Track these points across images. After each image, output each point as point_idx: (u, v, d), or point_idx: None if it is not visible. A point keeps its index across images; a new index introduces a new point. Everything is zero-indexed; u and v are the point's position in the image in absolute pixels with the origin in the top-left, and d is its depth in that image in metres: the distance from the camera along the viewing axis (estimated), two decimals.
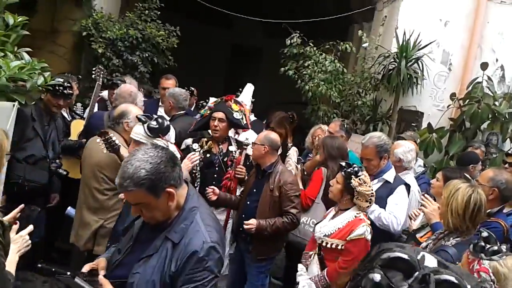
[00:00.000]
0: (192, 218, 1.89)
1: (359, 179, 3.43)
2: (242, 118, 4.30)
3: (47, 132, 4.17)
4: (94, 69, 4.97)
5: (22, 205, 2.18)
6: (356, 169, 3.44)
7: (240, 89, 5.66)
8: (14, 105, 3.31)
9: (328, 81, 6.33)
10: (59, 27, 6.73)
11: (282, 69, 6.44)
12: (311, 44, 6.55)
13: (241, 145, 4.21)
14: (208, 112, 4.20)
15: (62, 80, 4.13)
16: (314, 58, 6.45)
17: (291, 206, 3.72)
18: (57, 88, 4.06)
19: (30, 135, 4.02)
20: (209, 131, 4.19)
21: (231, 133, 4.38)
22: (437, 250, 2.59)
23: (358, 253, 3.22)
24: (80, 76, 5.34)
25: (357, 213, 3.37)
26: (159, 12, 7.00)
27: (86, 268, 1.97)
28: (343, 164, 3.45)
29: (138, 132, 3.08)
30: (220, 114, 4.13)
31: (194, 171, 4.00)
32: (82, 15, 6.63)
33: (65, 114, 4.84)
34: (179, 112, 4.66)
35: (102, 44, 6.38)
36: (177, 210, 1.91)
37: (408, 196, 3.81)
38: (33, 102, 3.99)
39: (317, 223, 3.52)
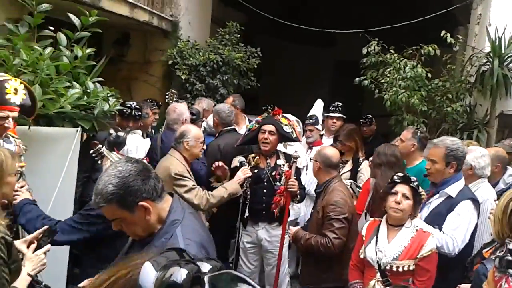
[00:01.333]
0: (173, 231, 1.88)
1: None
2: (292, 132, 4.22)
3: None
4: (167, 93, 5.29)
5: (45, 226, 2.31)
6: (414, 178, 3.15)
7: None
8: (77, 130, 3.66)
9: (410, 88, 5.90)
10: (151, 58, 7.34)
11: (357, 79, 6.18)
12: (391, 50, 6.20)
13: (290, 159, 4.12)
14: (256, 126, 4.20)
15: (130, 103, 4.49)
16: (394, 65, 6.09)
17: (329, 230, 3.47)
18: (124, 110, 4.41)
19: None
20: (255, 145, 4.20)
21: (279, 146, 4.32)
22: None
23: (433, 269, 2.95)
24: (160, 102, 5.73)
25: (416, 226, 3.06)
26: (238, 36, 7.24)
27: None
28: (407, 175, 3.15)
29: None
30: (270, 127, 4.08)
31: (244, 188, 4.01)
32: (170, 45, 7.15)
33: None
34: (226, 128, 4.73)
35: (185, 71, 6.78)
36: (160, 224, 1.91)
37: (478, 211, 3.32)
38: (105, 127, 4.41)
39: (366, 246, 3.20)
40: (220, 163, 4.22)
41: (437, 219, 3.21)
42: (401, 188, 3.07)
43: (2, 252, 1.88)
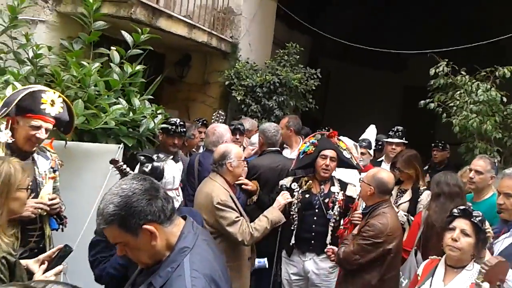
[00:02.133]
0: (180, 260, 1.66)
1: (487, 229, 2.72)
2: (351, 158, 3.91)
3: None
4: (214, 114, 5.17)
5: (60, 245, 2.14)
6: (478, 213, 2.73)
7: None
8: (119, 147, 3.60)
9: (483, 113, 5.36)
10: (209, 79, 7.34)
11: (422, 102, 5.72)
12: (462, 72, 5.70)
13: (345, 186, 3.79)
14: (313, 149, 3.92)
15: (174, 120, 4.40)
16: (465, 87, 5.58)
17: (348, 241, 3.32)
18: (169, 128, 4.33)
19: None
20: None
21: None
22: None
23: None
24: (205, 121, 5.63)
25: (479, 273, 2.63)
26: (298, 57, 7.06)
27: None
28: (467, 208, 2.74)
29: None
30: (331, 153, 3.80)
31: (291, 213, 3.73)
32: (228, 67, 7.12)
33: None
34: (270, 148, 4.47)
35: (241, 92, 6.68)
36: (168, 251, 1.69)
37: None
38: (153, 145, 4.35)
39: (419, 287, 2.82)
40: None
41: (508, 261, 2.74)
42: (460, 223, 2.67)
43: (1, 273, 1.75)
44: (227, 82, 6.85)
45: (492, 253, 2.77)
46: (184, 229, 1.75)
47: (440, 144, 6.50)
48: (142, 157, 2.98)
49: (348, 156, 3.91)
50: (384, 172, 3.60)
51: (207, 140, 4.53)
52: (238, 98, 6.66)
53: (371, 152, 5.15)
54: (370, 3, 11.41)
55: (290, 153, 5.12)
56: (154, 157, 2.97)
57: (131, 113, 3.85)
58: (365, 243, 3.25)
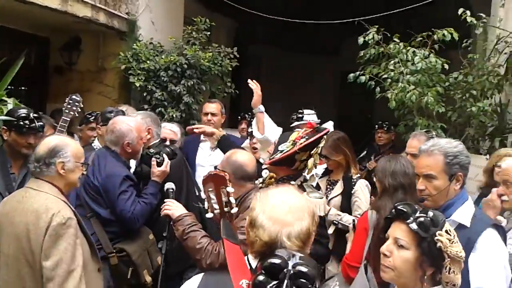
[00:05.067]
0: None
1: (446, 231, 1.77)
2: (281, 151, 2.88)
3: (13, 182, 3.22)
4: (66, 99, 3.86)
5: None
6: (434, 214, 1.79)
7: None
8: None
9: (422, 84, 4.52)
10: (105, 64, 6.12)
11: (351, 75, 4.83)
12: (395, 39, 4.85)
13: None
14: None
15: (25, 111, 3.19)
16: (400, 56, 4.73)
17: None
18: (21, 123, 3.12)
19: None
20: None
21: None
22: None
23: None
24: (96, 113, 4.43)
25: None
26: (209, 33, 5.98)
27: None
28: (401, 207, 1.81)
29: None
30: None
31: None
32: (126, 48, 5.91)
33: None
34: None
35: (141, 76, 5.52)
36: None
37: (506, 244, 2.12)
38: None
39: None
40: None
41: None
42: (394, 230, 1.80)
43: None
44: (123, 66, 5.65)
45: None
46: None
47: (384, 125, 5.94)
48: None
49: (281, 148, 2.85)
50: (240, 153, 2.67)
51: (106, 138, 3.39)
52: (138, 85, 5.49)
53: None
54: None
55: (210, 147, 4.41)
56: None
57: None
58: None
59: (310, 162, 2.68)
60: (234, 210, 2.11)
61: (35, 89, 6.29)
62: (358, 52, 5.02)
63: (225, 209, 2.10)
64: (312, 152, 2.67)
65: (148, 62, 5.55)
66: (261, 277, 1.27)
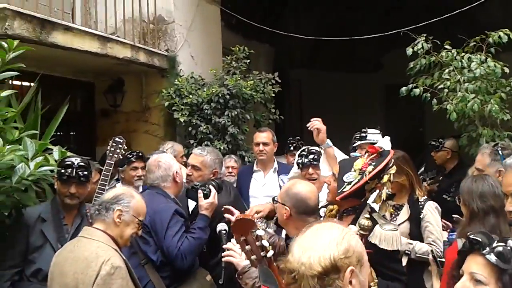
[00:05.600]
0: None
1: None
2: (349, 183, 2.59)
3: (65, 234, 3.14)
4: (110, 142, 3.81)
5: None
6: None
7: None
8: None
9: (482, 91, 4.17)
10: (149, 103, 6.12)
11: (403, 89, 4.53)
12: (447, 46, 4.54)
13: None
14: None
15: (71, 160, 3.12)
16: (454, 63, 4.41)
17: None
18: (62, 171, 3.05)
19: (37, 243, 3.03)
20: None
21: None
22: None
23: None
24: (140, 153, 4.35)
25: None
26: (248, 61, 5.88)
27: None
28: (475, 237, 1.55)
29: None
30: None
31: None
32: (168, 85, 5.90)
33: None
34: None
35: (185, 112, 5.46)
36: None
37: None
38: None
39: None
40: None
41: None
42: (469, 264, 1.54)
43: None
44: (166, 103, 5.62)
45: None
46: None
47: (433, 143, 5.16)
48: None
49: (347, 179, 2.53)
50: (301, 184, 2.43)
51: (151, 177, 3.24)
52: (182, 120, 5.42)
53: None
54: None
55: (264, 176, 4.30)
56: None
57: None
58: None
59: (384, 192, 2.43)
60: (270, 253, 1.94)
61: (83, 134, 6.38)
62: (402, 64, 4.75)
63: (262, 253, 1.96)
64: (384, 180, 2.41)
65: (190, 96, 5.49)
66: None
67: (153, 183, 3.22)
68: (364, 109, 11.64)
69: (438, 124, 5.15)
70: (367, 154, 2.47)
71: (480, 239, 1.52)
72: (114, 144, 3.68)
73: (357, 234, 1.66)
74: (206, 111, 5.49)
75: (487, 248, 1.50)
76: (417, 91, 4.40)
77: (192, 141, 5.41)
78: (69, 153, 3.42)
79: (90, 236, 2.30)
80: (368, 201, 2.52)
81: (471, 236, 1.55)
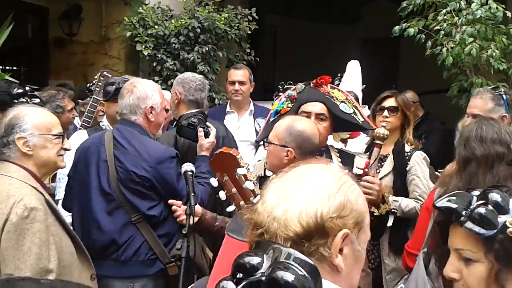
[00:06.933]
0: None
1: None
2: (354, 113, 2.48)
3: None
4: (96, 75, 3.45)
5: None
6: (499, 194, 1.26)
7: None
8: None
9: (482, 35, 3.80)
10: (109, 33, 5.48)
11: (397, 27, 4.11)
12: None
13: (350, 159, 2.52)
14: (289, 106, 2.48)
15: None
16: (452, 4, 4.00)
17: None
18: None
19: None
20: None
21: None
22: None
23: None
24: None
25: None
26: None
27: None
28: (446, 204, 1.26)
29: None
30: (317, 107, 2.38)
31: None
32: (132, 14, 5.25)
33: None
34: (191, 111, 2.81)
35: (150, 44, 4.88)
36: None
37: None
38: None
39: None
40: None
41: None
42: (455, 238, 1.32)
43: None
44: (128, 33, 5.00)
45: None
46: None
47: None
48: None
49: (348, 110, 2.45)
50: (302, 121, 2.15)
51: (120, 103, 2.56)
52: (146, 53, 4.84)
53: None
54: None
55: (239, 119, 3.91)
56: None
57: None
58: None
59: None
60: (258, 198, 1.54)
61: (35, 64, 5.72)
62: (382, 17, 4.35)
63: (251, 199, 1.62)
64: None
65: (156, 27, 4.89)
66: (224, 283, 0.80)
67: (121, 112, 2.54)
68: (337, 62, 11.28)
69: (411, 82, 4.96)
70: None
71: (452, 206, 1.23)
72: (102, 78, 3.35)
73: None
74: (173, 45, 4.92)
75: (463, 213, 1.21)
76: (411, 31, 3.98)
77: (157, 78, 4.85)
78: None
79: (3, 172, 1.83)
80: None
81: (439, 205, 1.27)
